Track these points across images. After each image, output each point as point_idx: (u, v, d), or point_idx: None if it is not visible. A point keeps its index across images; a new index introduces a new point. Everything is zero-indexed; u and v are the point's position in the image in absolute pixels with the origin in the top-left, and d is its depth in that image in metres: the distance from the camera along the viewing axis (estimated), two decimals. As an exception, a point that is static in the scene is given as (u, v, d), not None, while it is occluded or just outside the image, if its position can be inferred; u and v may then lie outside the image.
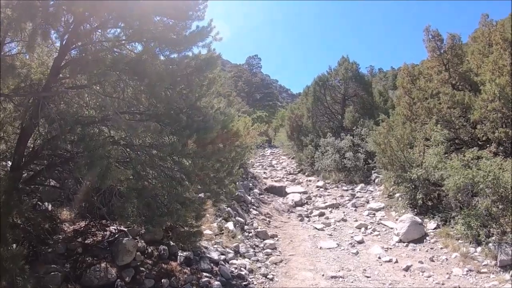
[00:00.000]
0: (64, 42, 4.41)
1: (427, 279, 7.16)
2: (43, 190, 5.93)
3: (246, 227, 8.85)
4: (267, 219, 10.26)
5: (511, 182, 7.87)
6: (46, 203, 6.08)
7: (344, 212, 11.68)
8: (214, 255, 6.66)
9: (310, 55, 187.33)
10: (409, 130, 11.34)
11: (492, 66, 10.53)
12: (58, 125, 4.09)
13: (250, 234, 8.61)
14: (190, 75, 5.01)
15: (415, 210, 10.87)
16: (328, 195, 13.90)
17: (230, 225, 8.13)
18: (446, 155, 10.40)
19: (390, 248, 8.79)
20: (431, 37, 13.95)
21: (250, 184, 13.56)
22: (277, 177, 17.81)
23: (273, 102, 51.72)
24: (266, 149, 31.30)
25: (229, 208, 8.88)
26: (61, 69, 4.52)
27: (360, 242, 9.12)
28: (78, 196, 5.49)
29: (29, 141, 4.75)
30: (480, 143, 11.16)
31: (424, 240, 9.22)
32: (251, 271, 6.87)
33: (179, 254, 6.29)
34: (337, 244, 8.92)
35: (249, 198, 11.22)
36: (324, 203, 12.52)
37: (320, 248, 8.68)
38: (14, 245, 3.77)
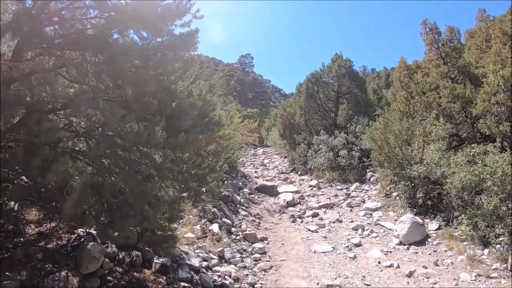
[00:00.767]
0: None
1: (433, 286, 6.40)
2: (12, 189, 5.10)
3: (233, 229, 8.02)
4: (257, 220, 9.44)
5: (521, 179, 7.18)
6: (12, 203, 5.26)
7: (339, 213, 10.91)
8: (195, 262, 5.82)
9: (303, 55, 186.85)
10: (407, 126, 10.60)
11: (494, 58, 9.85)
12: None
13: (238, 237, 7.77)
14: (164, 54, 4.21)
15: (415, 210, 10.16)
16: (321, 194, 13.13)
17: (215, 227, 7.31)
18: (446, 152, 9.71)
19: (390, 251, 8.03)
20: (429, 30, 13.29)
21: (240, 183, 12.75)
22: (269, 176, 17.01)
23: (265, 102, 50.88)
24: (258, 148, 30.57)
25: (214, 209, 8.06)
26: (24, 52, 3.72)
27: (358, 245, 8.34)
28: (46, 195, 4.68)
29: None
30: (478, 139, 10.55)
31: (426, 242, 8.49)
32: (236, 279, 6.05)
33: (154, 261, 5.45)
34: (332, 247, 8.12)
35: (238, 198, 10.40)
36: (318, 203, 11.74)
37: (314, 252, 7.87)
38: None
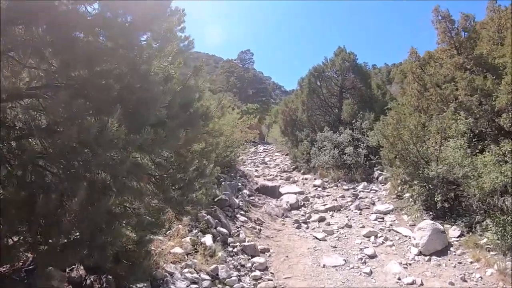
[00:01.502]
0: None
1: (467, 311, 5.29)
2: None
3: (230, 239, 6.86)
4: (257, 227, 8.29)
5: None
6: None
7: (347, 216, 9.78)
8: (182, 285, 4.70)
9: (304, 53, 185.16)
10: (423, 120, 9.46)
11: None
12: None
13: (235, 250, 6.60)
14: (131, 23, 3.08)
15: (431, 213, 9.06)
16: (327, 195, 11.99)
17: (208, 239, 6.15)
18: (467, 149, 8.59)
19: (410, 264, 6.90)
20: (441, 18, 12.11)
21: (239, 184, 11.62)
22: (270, 175, 15.87)
23: (266, 98, 49.58)
24: (259, 145, 29.49)
25: (208, 217, 6.91)
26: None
27: (372, 256, 7.20)
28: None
29: None
30: (497, 135, 9.43)
31: (449, 251, 7.38)
32: (232, 307, 4.93)
33: (131, 286, 4.33)
34: (344, 260, 6.96)
35: (237, 201, 9.27)
36: (324, 205, 10.60)
37: (324, 266, 6.71)
38: None
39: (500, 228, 6.75)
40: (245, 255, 6.56)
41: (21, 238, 2.69)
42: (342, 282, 6.08)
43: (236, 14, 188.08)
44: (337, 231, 8.63)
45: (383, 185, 12.56)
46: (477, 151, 8.56)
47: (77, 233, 2.76)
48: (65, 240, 2.78)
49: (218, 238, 6.61)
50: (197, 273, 5.23)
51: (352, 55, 19.31)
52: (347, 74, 19.04)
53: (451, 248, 7.45)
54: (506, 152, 7.29)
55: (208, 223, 6.74)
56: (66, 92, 2.73)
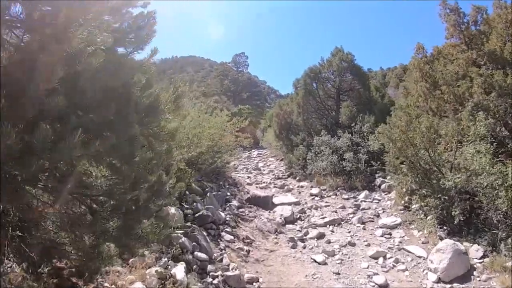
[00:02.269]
0: None
1: None
2: None
3: (210, 267, 5.48)
4: (246, 247, 6.91)
5: None
6: None
7: (350, 232, 8.47)
8: None
9: (299, 57, 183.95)
10: (436, 122, 8.20)
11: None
12: None
13: (215, 281, 5.18)
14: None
15: (445, 228, 7.80)
16: (326, 205, 10.66)
17: (179, 270, 4.75)
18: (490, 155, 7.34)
19: (430, 296, 5.60)
20: (449, 11, 10.93)
21: (228, 193, 10.28)
22: (263, 182, 14.51)
23: (261, 102, 48.18)
24: (253, 150, 28.14)
25: (184, 239, 5.55)
26: None
27: (384, 286, 5.88)
28: None
29: None
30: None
31: (472, 276, 6.16)
32: None
33: None
34: (350, 292, 5.66)
35: (223, 215, 7.92)
36: (323, 218, 9.27)
37: (326, 302, 5.42)
38: None
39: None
40: (228, 288, 5.21)
41: None
42: (350, 326, 4.77)
43: (231, 18, 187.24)
44: (339, 251, 7.29)
45: (386, 194, 11.28)
46: (500, 157, 7.35)
47: None
48: None
49: (194, 266, 5.25)
50: (161, 321, 3.89)
51: (350, 55, 18.07)
52: (344, 75, 17.81)
53: (474, 273, 6.23)
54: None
55: (183, 247, 5.39)
56: None
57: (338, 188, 12.33)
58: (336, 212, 9.92)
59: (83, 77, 1.91)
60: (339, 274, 6.30)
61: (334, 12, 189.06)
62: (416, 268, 6.56)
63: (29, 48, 1.87)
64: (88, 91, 1.94)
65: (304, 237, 8.02)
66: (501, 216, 6.86)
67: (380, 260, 6.87)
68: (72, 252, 2.78)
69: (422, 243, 7.59)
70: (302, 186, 13.58)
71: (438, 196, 7.72)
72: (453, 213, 7.31)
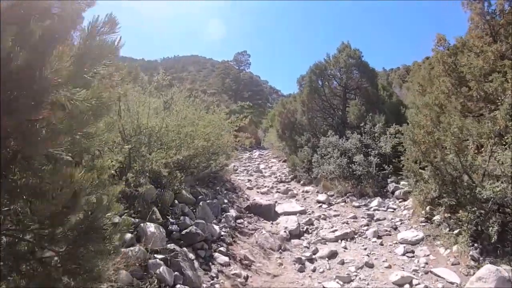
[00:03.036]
0: None
1: None
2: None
3: (196, 305, 4.27)
4: (243, 272, 5.59)
5: None
6: None
7: (365, 248, 7.20)
8: None
9: (302, 58, 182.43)
10: (470, 122, 6.93)
11: None
12: None
13: (202, 327, 4.01)
14: None
15: (476, 245, 6.54)
16: (335, 215, 9.40)
17: (152, 317, 3.54)
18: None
19: None
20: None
21: (225, 201, 9.02)
22: (265, 186, 13.26)
23: (262, 101, 46.76)
24: (255, 150, 26.95)
25: (162, 268, 4.28)
26: None
27: (418, 329, 4.64)
28: None
29: None
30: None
31: (522, 312, 4.87)
32: None
33: None
34: None
35: (217, 229, 6.65)
36: (333, 230, 8.00)
37: None
38: None
39: None
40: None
41: None
42: None
43: (234, 17, 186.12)
44: (356, 276, 6.02)
45: (401, 202, 10.03)
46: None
47: None
48: None
49: (174, 307, 4.02)
50: None
51: (358, 51, 16.82)
52: (352, 73, 16.54)
53: (524, 306, 4.95)
54: None
55: (161, 280, 4.13)
56: None
57: (347, 194, 11.08)
58: (347, 223, 8.65)
59: None
60: (359, 309, 5.05)
61: (337, 13, 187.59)
62: (451, 299, 5.30)
63: None
64: None
65: (313, 256, 6.72)
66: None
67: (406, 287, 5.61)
68: None
69: (452, 264, 6.34)
70: (307, 191, 12.32)
71: (472, 209, 6.46)
72: (491, 230, 6.07)
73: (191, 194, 8.03)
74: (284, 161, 18.74)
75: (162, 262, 4.39)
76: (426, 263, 6.43)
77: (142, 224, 5.15)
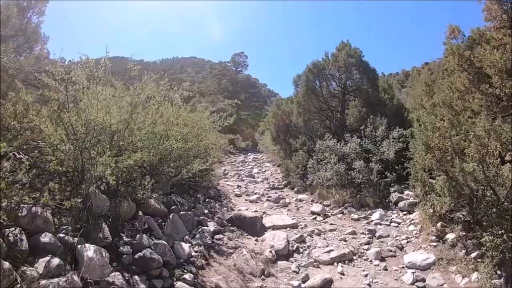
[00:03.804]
0: None
1: None
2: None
3: None
4: (212, 309, 4.37)
5: None
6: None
7: (367, 275, 5.93)
8: None
9: (300, 60, 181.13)
10: (499, 124, 5.67)
11: None
12: None
13: None
14: None
15: (500, 274, 5.30)
16: (331, 230, 8.13)
17: None
18: None
19: None
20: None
21: (205, 211, 7.75)
22: (255, 193, 11.97)
23: (259, 104, 45.41)
24: (250, 153, 25.77)
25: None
26: None
27: None
28: None
29: None
30: None
31: None
32: None
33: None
34: None
35: (186, 248, 5.33)
36: (328, 250, 6.68)
37: None
38: None
39: None
40: None
41: None
42: None
43: (232, 18, 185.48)
44: (356, 314, 4.77)
45: (406, 215, 8.79)
46: None
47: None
48: None
49: None
50: None
51: (358, 50, 15.66)
52: (351, 73, 15.34)
53: None
54: None
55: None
56: None
57: (345, 205, 9.82)
58: (345, 240, 7.38)
59: None
60: None
61: (336, 16, 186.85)
62: None
63: None
64: None
65: (302, 286, 5.43)
66: None
67: (420, 333, 4.36)
68: None
69: (474, 299, 5.09)
70: (301, 200, 11.04)
71: (499, 232, 5.21)
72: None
73: (163, 203, 6.77)
74: (279, 165, 17.49)
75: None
76: (442, 297, 5.19)
77: (79, 246, 3.90)
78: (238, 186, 12.88)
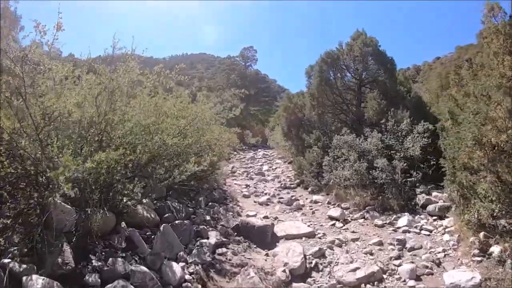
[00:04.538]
0: None
1: None
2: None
3: None
4: None
5: None
6: None
7: (402, 301, 4.75)
8: None
9: (312, 55, 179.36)
10: None
11: None
12: None
13: None
14: None
15: None
16: (353, 239, 6.93)
17: None
18: None
19: None
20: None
21: (207, 218, 6.63)
22: (265, 194, 10.82)
23: (269, 99, 44.10)
24: (259, 149, 24.70)
25: None
26: None
27: None
28: None
29: None
30: None
31: None
32: None
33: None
34: None
35: (177, 271, 4.19)
36: (353, 268, 5.47)
37: None
38: None
39: None
40: None
41: None
42: None
43: (243, 16, 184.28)
44: None
45: (436, 220, 7.58)
46: None
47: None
48: None
49: None
50: None
51: (374, 39, 14.37)
52: (368, 62, 14.07)
53: None
54: None
55: None
56: None
57: (367, 208, 8.64)
58: (371, 253, 6.19)
59: None
60: None
61: (347, 11, 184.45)
62: None
63: None
64: None
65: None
66: None
67: None
68: None
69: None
70: (316, 202, 9.86)
71: None
72: None
73: (155, 210, 5.67)
74: (290, 162, 16.31)
75: None
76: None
77: (24, 278, 2.84)
78: (247, 186, 11.74)
